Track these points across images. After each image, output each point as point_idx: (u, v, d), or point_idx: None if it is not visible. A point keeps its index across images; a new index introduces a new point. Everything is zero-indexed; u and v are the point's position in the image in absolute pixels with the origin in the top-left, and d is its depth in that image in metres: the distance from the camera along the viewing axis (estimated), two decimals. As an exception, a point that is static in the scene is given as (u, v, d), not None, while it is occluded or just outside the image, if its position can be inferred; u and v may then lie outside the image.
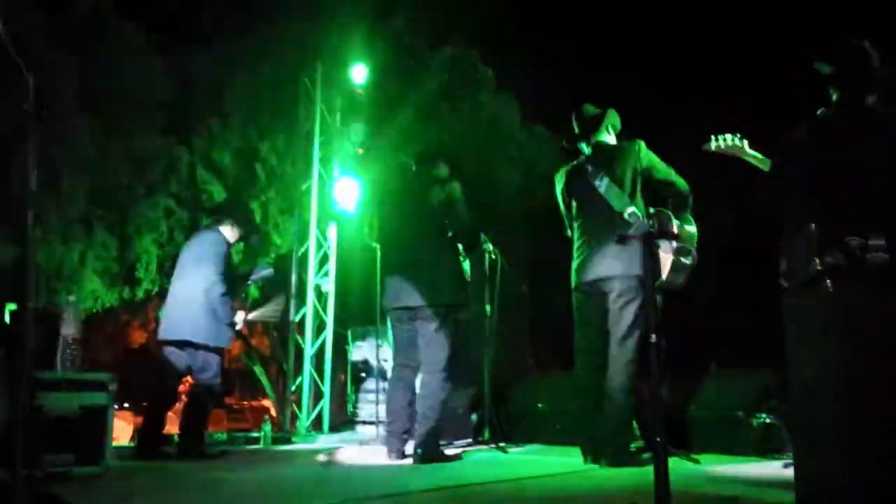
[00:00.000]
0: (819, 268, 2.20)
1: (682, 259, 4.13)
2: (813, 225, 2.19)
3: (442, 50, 13.44)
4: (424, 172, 4.77)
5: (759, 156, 3.81)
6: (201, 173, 12.48)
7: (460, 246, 4.65)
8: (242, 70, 12.49)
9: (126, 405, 12.72)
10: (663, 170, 4.27)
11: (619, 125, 4.49)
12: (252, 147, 12.15)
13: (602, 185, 4.19)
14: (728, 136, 3.75)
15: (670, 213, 4.24)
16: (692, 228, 4.25)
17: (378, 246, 5.34)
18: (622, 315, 4.12)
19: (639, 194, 4.21)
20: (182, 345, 5.06)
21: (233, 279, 5.26)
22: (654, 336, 2.66)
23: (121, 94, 11.80)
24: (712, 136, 3.82)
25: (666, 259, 4.10)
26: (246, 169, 12.21)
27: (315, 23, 10.76)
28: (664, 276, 4.09)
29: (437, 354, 4.44)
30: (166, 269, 13.29)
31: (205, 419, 5.21)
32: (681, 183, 4.27)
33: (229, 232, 5.32)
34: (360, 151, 7.93)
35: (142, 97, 12.10)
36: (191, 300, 5.01)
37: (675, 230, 4.11)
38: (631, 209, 4.09)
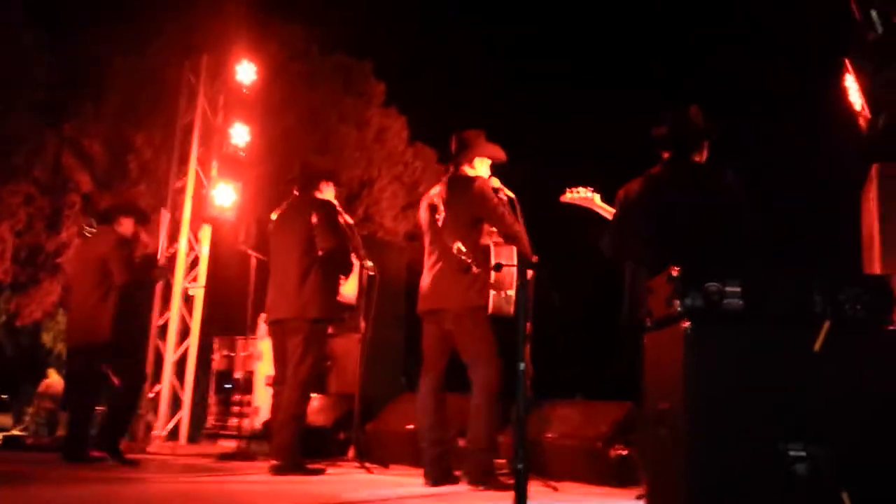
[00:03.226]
0: (679, 309, 2.30)
1: (503, 292, 4.12)
2: (676, 268, 2.30)
3: (335, 57, 13.28)
4: (304, 195, 4.92)
5: (608, 208, 4.06)
6: (68, 160, 11.71)
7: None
8: (125, 55, 11.84)
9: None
10: (490, 216, 4.20)
11: (497, 153, 4.43)
12: (126, 137, 11.51)
13: (439, 218, 4.27)
14: (581, 189, 4.07)
15: (490, 244, 4.21)
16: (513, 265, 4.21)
17: (252, 253, 5.63)
18: (464, 343, 4.16)
19: (476, 228, 4.18)
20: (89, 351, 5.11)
21: (139, 275, 5.40)
22: (521, 364, 2.69)
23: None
24: (567, 189, 4.15)
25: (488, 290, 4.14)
26: (117, 159, 11.55)
27: (206, 13, 10.34)
28: (490, 306, 4.10)
29: (298, 368, 4.60)
30: (21, 259, 12.35)
31: (124, 421, 5.24)
32: (506, 228, 4.20)
33: (124, 228, 5.33)
34: (242, 154, 7.63)
35: (13, 74, 11.23)
36: (92, 305, 5.04)
37: (498, 262, 4.08)
38: (457, 244, 4.11)
